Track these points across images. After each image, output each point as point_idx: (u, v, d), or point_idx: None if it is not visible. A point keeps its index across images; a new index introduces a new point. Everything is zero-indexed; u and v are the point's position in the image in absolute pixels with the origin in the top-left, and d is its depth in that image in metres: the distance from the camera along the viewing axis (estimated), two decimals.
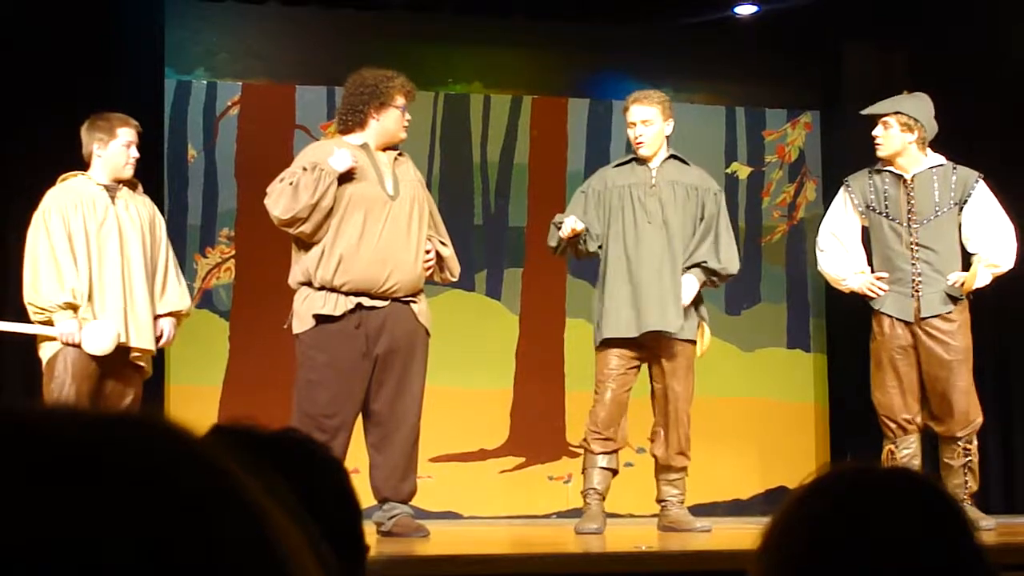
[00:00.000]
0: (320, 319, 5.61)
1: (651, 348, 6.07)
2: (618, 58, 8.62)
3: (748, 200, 9.02)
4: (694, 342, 6.10)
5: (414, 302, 5.72)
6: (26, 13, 7.26)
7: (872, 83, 8.63)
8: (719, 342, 8.52)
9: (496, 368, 8.50)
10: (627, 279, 6.04)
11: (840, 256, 6.32)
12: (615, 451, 6.09)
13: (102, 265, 5.82)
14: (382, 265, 5.61)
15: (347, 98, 5.88)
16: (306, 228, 5.62)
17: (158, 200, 7.25)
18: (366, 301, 5.62)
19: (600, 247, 6.16)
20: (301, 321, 5.67)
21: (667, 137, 6.22)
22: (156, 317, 6.00)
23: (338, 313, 5.60)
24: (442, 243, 5.86)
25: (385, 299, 5.64)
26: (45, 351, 5.83)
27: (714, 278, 6.17)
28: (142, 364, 5.96)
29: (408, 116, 5.89)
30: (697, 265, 6.09)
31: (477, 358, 8.35)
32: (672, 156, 6.23)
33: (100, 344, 5.73)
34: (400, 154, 5.90)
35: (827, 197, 8.97)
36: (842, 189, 6.40)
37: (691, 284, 6.07)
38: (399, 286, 5.64)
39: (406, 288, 5.67)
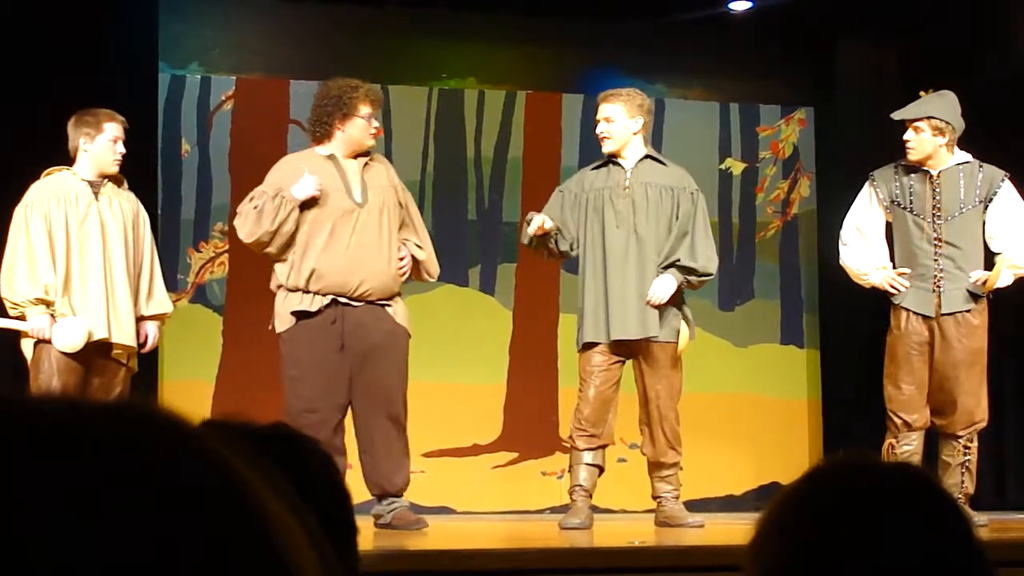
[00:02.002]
0: (298, 316, 5.76)
1: (630, 349, 6.08)
2: (612, 54, 8.61)
3: (742, 196, 9.02)
4: (674, 342, 6.08)
5: (389, 305, 5.81)
6: (21, 6, 7.24)
7: (866, 79, 8.65)
8: (712, 338, 8.54)
9: (489, 363, 8.50)
10: (598, 284, 6.05)
11: (863, 251, 6.29)
12: (601, 447, 6.09)
13: (84, 260, 5.81)
14: (352, 272, 5.73)
15: (314, 110, 6.03)
16: (271, 250, 5.82)
17: (152, 194, 7.25)
18: (341, 299, 5.75)
19: (572, 248, 6.16)
20: (282, 321, 5.83)
21: (635, 135, 6.15)
22: (142, 319, 6.00)
23: (314, 309, 5.74)
24: (418, 246, 5.93)
25: (360, 301, 5.75)
26: (29, 347, 5.84)
27: (691, 278, 6.09)
28: (124, 360, 5.94)
29: (376, 124, 5.98)
30: (673, 264, 6.07)
31: (470, 353, 8.35)
32: (649, 156, 6.21)
33: (69, 340, 5.73)
34: (371, 159, 5.95)
35: (821, 193, 9.00)
36: (867, 184, 6.36)
37: (666, 283, 6.01)
38: (371, 290, 5.76)
39: (379, 292, 5.78)
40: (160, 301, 6.09)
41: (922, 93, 6.32)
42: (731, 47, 8.71)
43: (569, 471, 6.20)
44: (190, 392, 7.89)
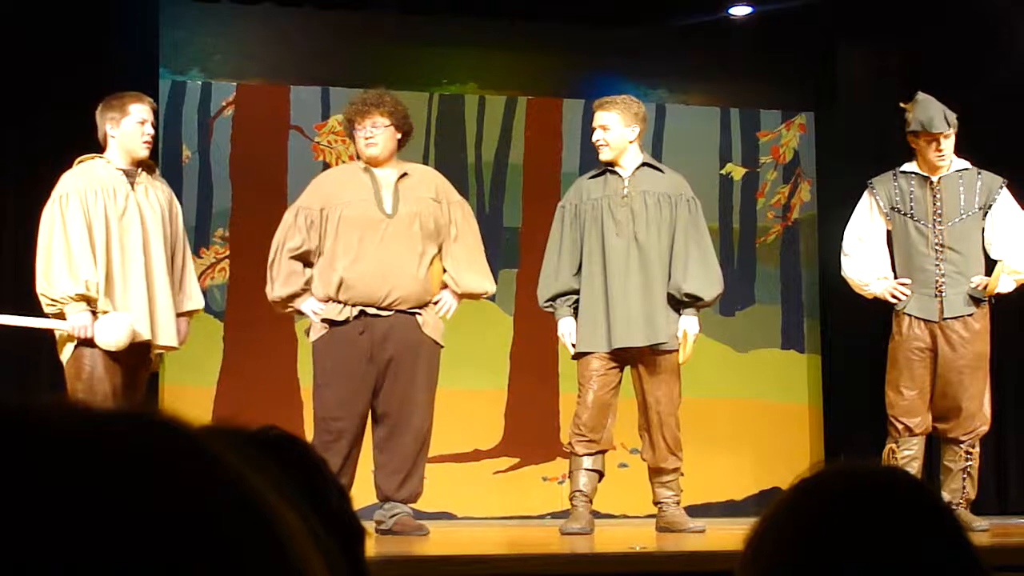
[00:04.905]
0: (329, 324, 5.79)
1: (629, 356, 6.08)
2: (613, 59, 8.62)
3: (743, 201, 9.02)
4: (675, 350, 6.08)
5: (419, 314, 5.82)
6: (22, 13, 7.25)
7: (866, 84, 8.66)
8: (713, 343, 8.54)
9: (490, 369, 8.50)
10: (599, 293, 6.05)
11: (864, 261, 6.30)
12: (600, 453, 6.10)
13: (125, 258, 5.51)
14: (382, 282, 5.75)
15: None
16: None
17: None
18: (370, 310, 5.77)
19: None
20: (315, 329, 5.87)
21: (631, 143, 6.16)
22: (178, 315, 5.72)
23: (342, 318, 5.76)
24: (455, 285, 5.92)
25: (389, 310, 5.77)
26: (66, 351, 5.52)
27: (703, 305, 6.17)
28: (152, 359, 5.69)
29: (366, 135, 5.92)
30: (690, 302, 6.06)
31: (472, 358, 8.35)
32: (646, 164, 6.22)
33: (114, 337, 5.41)
34: (408, 172, 5.96)
35: (821, 198, 9.00)
36: (866, 192, 6.37)
37: (693, 325, 6.06)
38: (400, 300, 5.79)
39: (409, 301, 5.80)
40: (196, 298, 5.85)
41: (902, 104, 6.32)
42: (732, 52, 8.71)
43: (569, 477, 6.20)
44: (191, 397, 7.89)
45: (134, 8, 7.70)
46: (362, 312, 5.76)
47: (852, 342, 8.35)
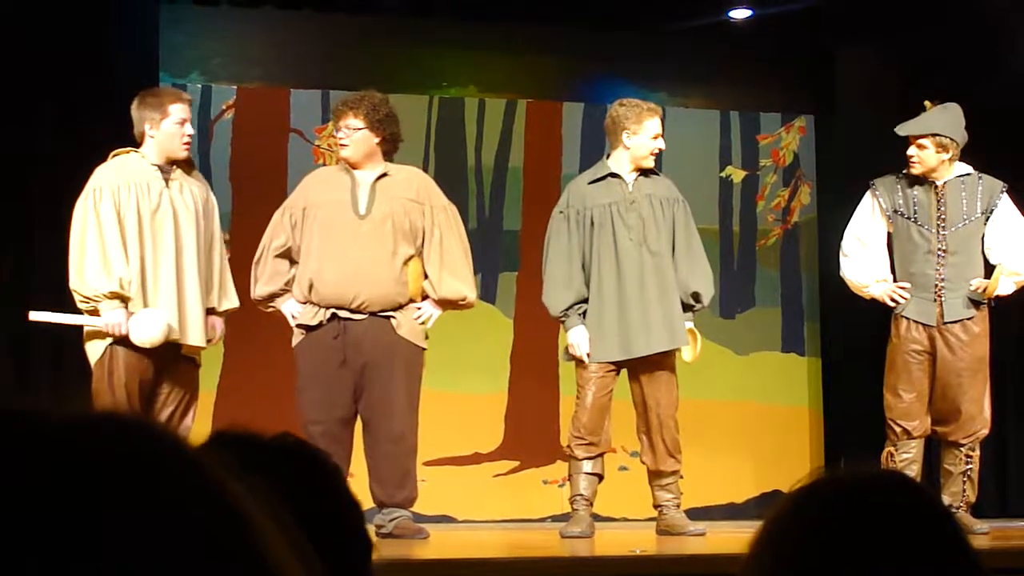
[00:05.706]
0: (304, 329, 5.80)
1: (629, 360, 6.08)
2: (613, 62, 8.62)
3: (743, 204, 9.02)
4: (674, 353, 6.09)
5: (392, 317, 5.77)
6: (22, 16, 7.25)
7: (866, 87, 8.66)
8: (714, 346, 8.54)
9: (491, 372, 8.50)
10: (612, 301, 6.03)
11: (864, 262, 6.29)
12: (599, 455, 6.10)
13: (156, 255, 5.46)
14: (350, 284, 5.72)
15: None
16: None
17: None
18: (343, 313, 5.75)
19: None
20: (295, 334, 5.89)
21: None
22: (212, 312, 5.68)
23: (315, 323, 5.76)
24: (433, 292, 5.86)
25: (362, 313, 5.74)
26: (93, 350, 5.46)
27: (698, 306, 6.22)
28: (194, 356, 5.64)
29: (340, 136, 5.93)
30: (692, 302, 6.11)
31: (472, 362, 8.35)
32: (645, 168, 6.24)
33: (149, 334, 5.36)
34: (388, 172, 5.92)
35: (822, 201, 9.00)
36: (868, 193, 6.35)
37: (692, 325, 6.13)
38: (369, 302, 5.74)
39: (378, 304, 5.75)
40: (231, 298, 5.81)
41: (927, 104, 6.30)
42: (731, 55, 8.72)
43: (568, 480, 6.20)
44: None
45: (134, 11, 7.70)
46: (334, 315, 5.74)
47: (852, 345, 8.35)
